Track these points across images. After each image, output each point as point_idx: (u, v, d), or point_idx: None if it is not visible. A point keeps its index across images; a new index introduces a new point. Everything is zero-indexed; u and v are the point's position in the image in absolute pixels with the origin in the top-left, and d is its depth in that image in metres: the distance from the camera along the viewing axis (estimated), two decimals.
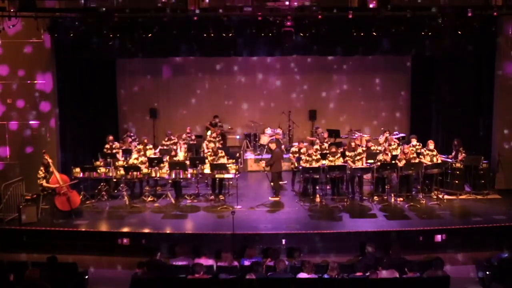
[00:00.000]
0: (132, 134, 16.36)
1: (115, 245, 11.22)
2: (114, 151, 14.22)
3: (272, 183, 13.67)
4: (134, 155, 13.66)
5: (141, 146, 14.31)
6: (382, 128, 15.78)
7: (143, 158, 13.49)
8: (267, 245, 10.66)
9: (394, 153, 13.68)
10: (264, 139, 17.34)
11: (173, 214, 12.61)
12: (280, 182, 13.94)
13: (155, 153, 14.32)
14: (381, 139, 15.28)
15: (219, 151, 13.55)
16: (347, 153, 13.32)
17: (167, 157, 13.72)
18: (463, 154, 13.62)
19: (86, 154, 15.31)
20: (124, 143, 14.84)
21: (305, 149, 13.73)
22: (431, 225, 11.53)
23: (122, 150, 14.37)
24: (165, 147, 14.91)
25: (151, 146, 14.83)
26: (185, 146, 15.31)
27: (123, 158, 13.93)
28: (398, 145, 14.38)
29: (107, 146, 14.41)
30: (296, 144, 14.63)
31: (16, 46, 13.58)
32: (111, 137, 14.69)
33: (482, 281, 9.95)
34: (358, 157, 13.18)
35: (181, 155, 13.95)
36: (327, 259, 10.14)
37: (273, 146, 14.09)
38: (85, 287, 9.84)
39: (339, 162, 12.98)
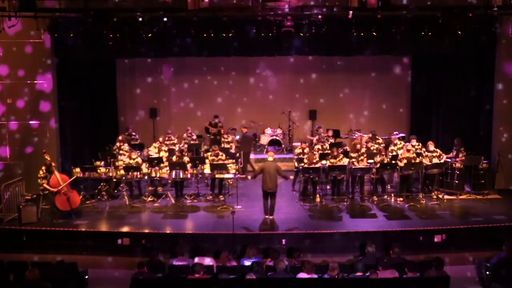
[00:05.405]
0: (134, 134, 16.24)
1: (115, 245, 11.23)
2: (121, 151, 14.26)
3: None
4: (134, 155, 13.62)
5: (157, 144, 14.68)
6: (373, 130, 15.66)
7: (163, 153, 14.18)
8: (267, 245, 10.66)
9: (399, 151, 13.70)
10: (264, 139, 17.38)
11: (173, 214, 12.61)
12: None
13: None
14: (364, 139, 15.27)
15: (220, 153, 13.51)
16: (351, 154, 13.29)
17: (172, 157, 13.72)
18: (464, 153, 13.64)
19: (86, 154, 15.33)
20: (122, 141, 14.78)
21: (308, 149, 13.74)
22: (431, 225, 11.54)
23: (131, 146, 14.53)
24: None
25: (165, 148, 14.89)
26: (186, 146, 15.36)
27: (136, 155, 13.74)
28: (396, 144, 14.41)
29: (117, 144, 14.48)
30: (299, 144, 14.63)
31: (16, 46, 13.59)
32: (120, 137, 14.74)
33: (482, 281, 9.95)
34: (361, 157, 13.17)
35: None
36: (327, 259, 10.16)
37: (244, 130, 15.76)
38: (85, 287, 9.85)
39: (342, 163, 12.95)
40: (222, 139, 15.69)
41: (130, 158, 13.54)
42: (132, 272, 9.29)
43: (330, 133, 15.68)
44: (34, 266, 8.97)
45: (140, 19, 12.65)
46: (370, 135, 15.13)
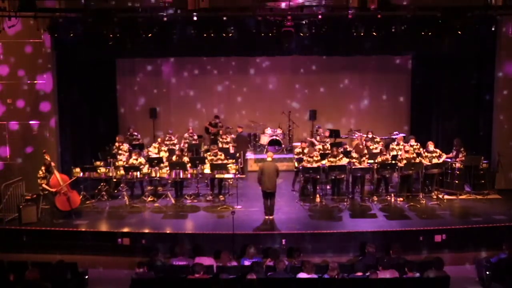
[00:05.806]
0: (135, 134, 16.27)
1: (115, 245, 11.23)
2: (119, 151, 14.28)
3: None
4: (134, 156, 13.61)
5: (156, 145, 14.78)
6: (370, 131, 15.63)
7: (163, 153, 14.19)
8: (267, 245, 10.66)
9: (398, 152, 13.69)
10: (264, 139, 17.38)
11: (173, 214, 12.61)
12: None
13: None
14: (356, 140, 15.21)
15: (219, 153, 13.53)
16: (354, 154, 13.29)
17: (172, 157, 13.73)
18: (464, 154, 13.65)
19: (86, 154, 15.33)
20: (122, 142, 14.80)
21: (307, 149, 13.74)
22: (431, 225, 11.53)
23: (131, 149, 14.48)
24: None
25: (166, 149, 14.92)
26: (186, 146, 15.37)
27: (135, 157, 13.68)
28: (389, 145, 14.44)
29: (116, 144, 14.50)
30: (299, 144, 14.63)
31: (16, 46, 13.59)
32: (118, 138, 14.75)
33: (482, 281, 9.95)
34: (363, 158, 13.16)
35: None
36: (327, 259, 10.16)
37: (239, 129, 15.87)
38: (85, 287, 9.85)
39: (342, 162, 12.95)
40: (220, 140, 15.67)
41: (133, 158, 13.54)
42: (132, 272, 9.31)
43: (327, 133, 15.69)
44: (34, 266, 8.98)
45: (140, 19, 12.65)
46: (369, 135, 15.13)
